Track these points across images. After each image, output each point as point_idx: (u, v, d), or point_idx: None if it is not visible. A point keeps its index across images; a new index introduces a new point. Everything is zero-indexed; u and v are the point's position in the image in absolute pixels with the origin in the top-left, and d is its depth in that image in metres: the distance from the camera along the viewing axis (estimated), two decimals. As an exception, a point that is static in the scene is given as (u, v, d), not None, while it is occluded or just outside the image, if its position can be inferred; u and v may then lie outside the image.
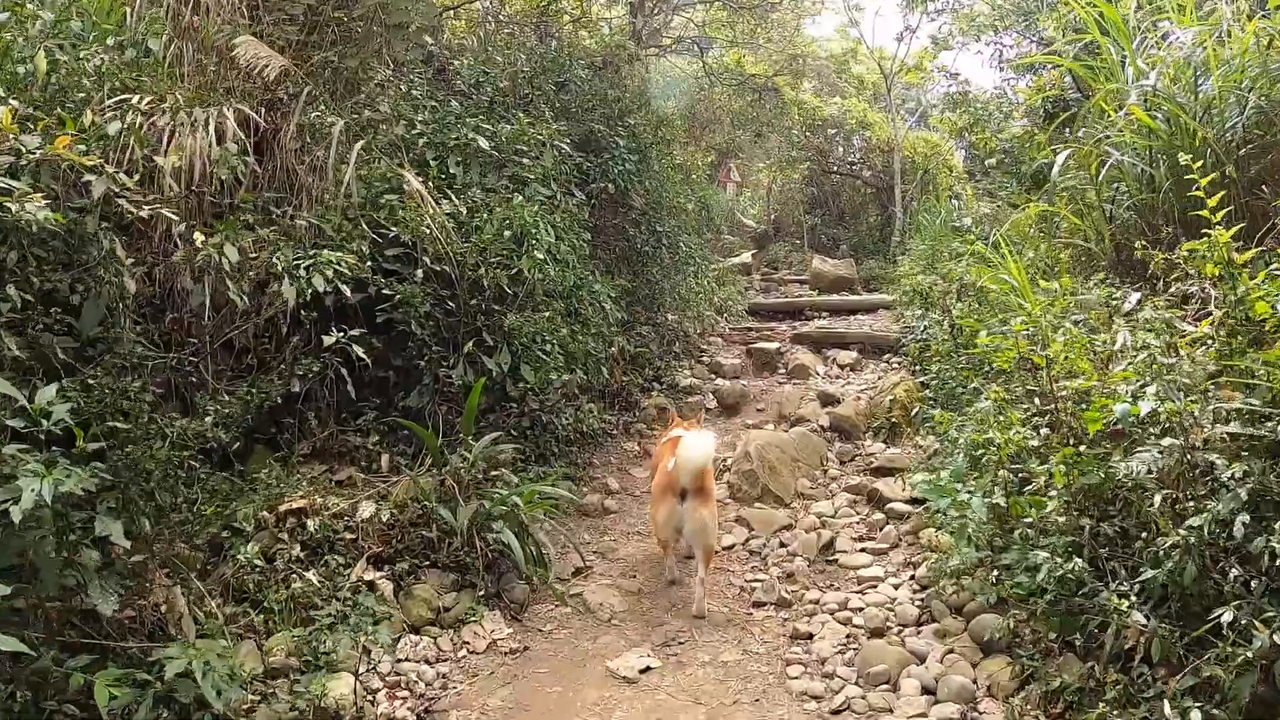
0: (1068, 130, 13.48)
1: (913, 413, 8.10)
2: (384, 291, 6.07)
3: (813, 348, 10.75)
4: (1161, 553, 3.76)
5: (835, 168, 19.43)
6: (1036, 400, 4.91)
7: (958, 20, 14.13)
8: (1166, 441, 3.85)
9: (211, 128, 5.90)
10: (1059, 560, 4.01)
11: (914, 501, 6.38)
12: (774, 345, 10.69)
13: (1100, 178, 7.44)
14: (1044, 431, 4.90)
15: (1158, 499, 3.83)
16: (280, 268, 4.94)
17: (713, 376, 10.07)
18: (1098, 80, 7.91)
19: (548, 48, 11.09)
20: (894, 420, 8.01)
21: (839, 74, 19.19)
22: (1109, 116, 7.83)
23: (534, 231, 6.74)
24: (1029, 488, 4.41)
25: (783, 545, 5.96)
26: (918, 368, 8.75)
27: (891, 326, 11.12)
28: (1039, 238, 8.43)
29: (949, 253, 11.53)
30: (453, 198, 6.88)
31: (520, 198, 7.10)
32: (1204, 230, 4.31)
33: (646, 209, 10.25)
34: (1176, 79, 6.98)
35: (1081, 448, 4.31)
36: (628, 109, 10.44)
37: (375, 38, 7.58)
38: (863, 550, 5.83)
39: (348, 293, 5.56)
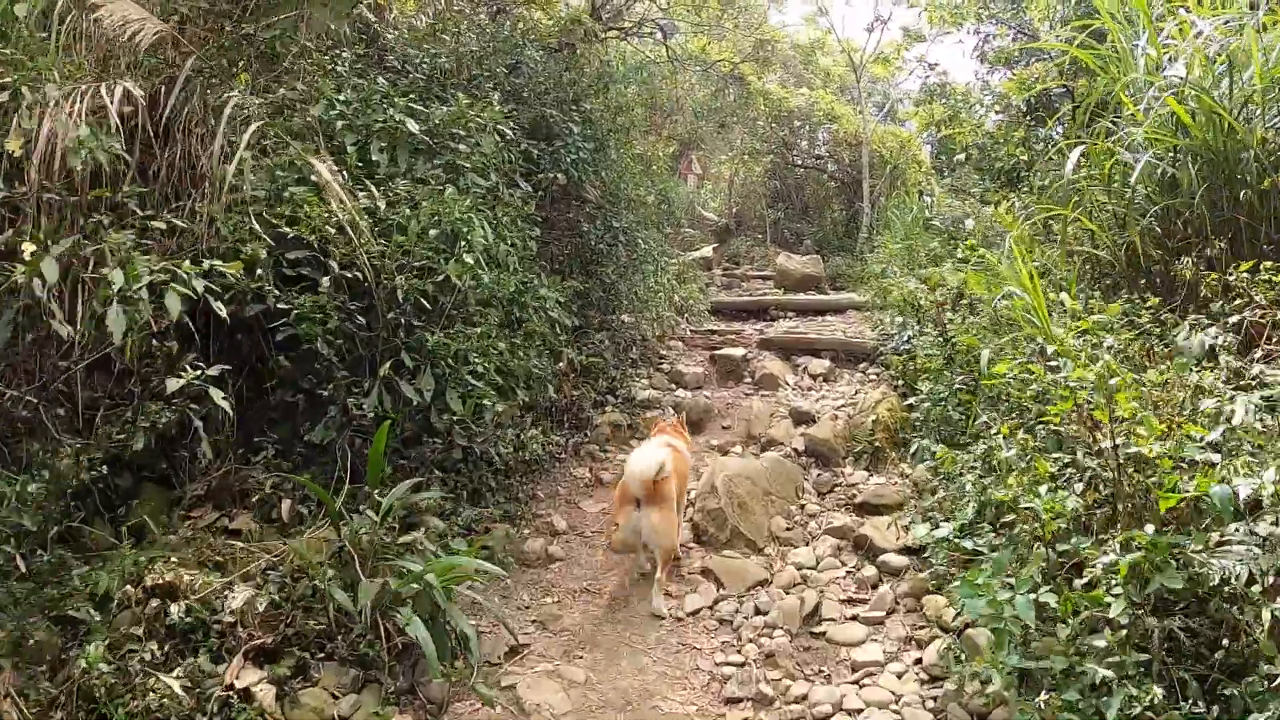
0: (1050, 126, 12.55)
1: (898, 435, 7.05)
2: (280, 305, 4.87)
3: (782, 354, 9.66)
4: (1265, 691, 2.75)
5: (800, 161, 18.36)
6: (1091, 462, 3.83)
7: (931, 9, 13.04)
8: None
9: (79, 107, 4.73)
10: (1131, 686, 2.94)
11: (909, 551, 5.32)
12: (740, 351, 9.57)
13: (1114, 179, 6.42)
14: (1080, 488, 3.85)
15: (1266, 617, 2.80)
16: (115, 288, 3.71)
17: (673, 387, 8.94)
18: (1108, 70, 6.86)
19: (499, 26, 9.87)
20: (877, 444, 6.93)
21: (805, 65, 18.09)
22: (1123, 111, 6.83)
23: (466, 230, 5.55)
24: (1083, 580, 3.33)
25: (759, 612, 4.84)
26: (900, 382, 7.68)
27: (865, 331, 10.05)
28: (1038, 242, 7.38)
29: (927, 253, 10.51)
30: (373, 190, 5.68)
31: (454, 189, 5.92)
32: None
33: (602, 202, 9.09)
34: (1203, 71, 5.96)
35: (1148, 528, 3.25)
36: (584, 93, 9.24)
37: (295, 5, 6.36)
38: (854, 618, 4.74)
39: (221, 311, 4.38)
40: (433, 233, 5.43)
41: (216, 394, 4.09)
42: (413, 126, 6.20)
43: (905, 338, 7.94)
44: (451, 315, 5.71)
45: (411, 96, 6.60)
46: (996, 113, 13.14)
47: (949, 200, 13.68)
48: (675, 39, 15.79)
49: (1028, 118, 11.92)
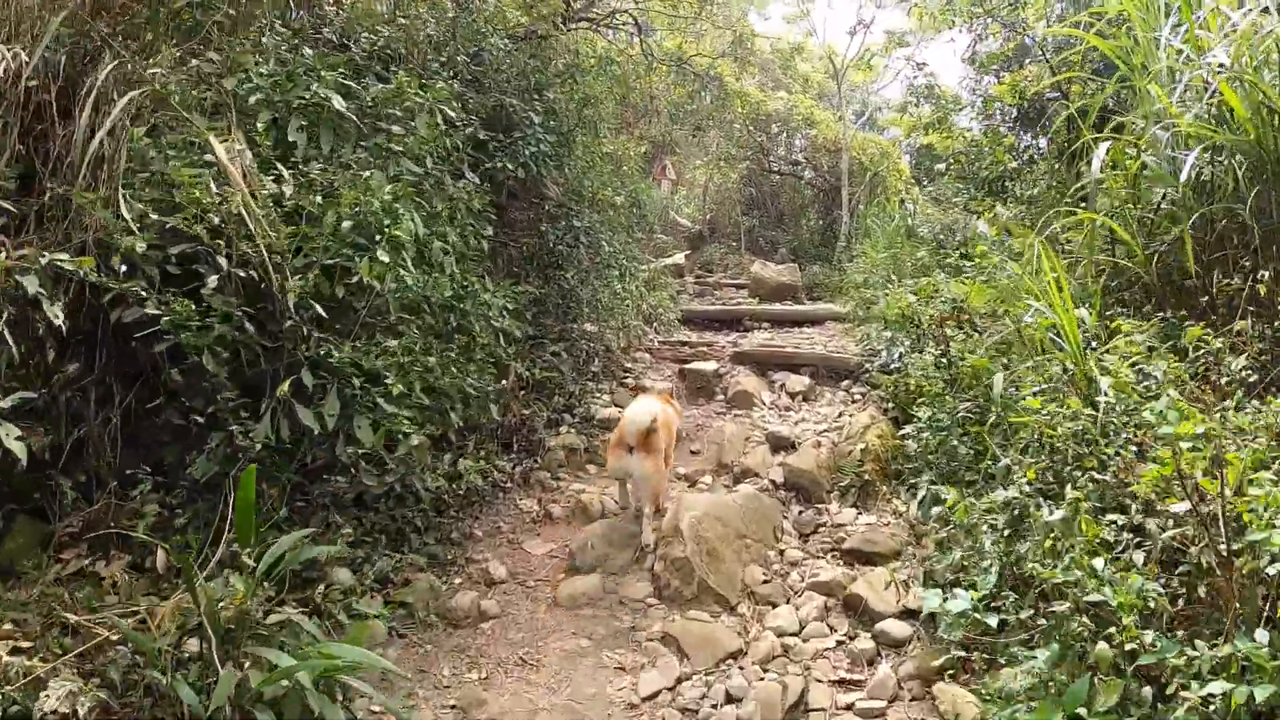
0: (1041, 133, 11.69)
1: (889, 466, 6.11)
2: (153, 309, 3.87)
3: (757, 369, 8.68)
4: None
5: (776, 167, 17.42)
6: (1164, 530, 2.86)
7: (920, 9, 12.14)
8: None
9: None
10: None
11: (910, 614, 4.36)
12: (711, 366, 8.59)
13: (1139, 182, 5.53)
14: (1141, 559, 2.91)
15: None
16: None
17: (639, 405, 7.95)
18: (1135, 58, 5.95)
19: (463, 11, 8.85)
20: (866, 476, 5.97)
21: (784, 70, 17.19)
22: (1139, 108, 5.96)
23: (390, 223, 4.54)
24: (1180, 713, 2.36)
25: (730, 699, 3.82)
26: (891, 405, 6.73)
27: (848, 345, 9.11)
28: (1056, 252, 6.46)
29: (914, 262, 9.59)
30: (284, 173, 4.67)
31: (381, 176, 4.91)
32: None
33: (565, 200, 8.09)
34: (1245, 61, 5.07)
35: (1260, 636, 2.29)
36: (548, 82, 8.24)
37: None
38: (849, 707, 3.76)
39: (56, 318, 3.37)
40: (346, 224, 4.41)
41: (14, 446, 3.04)
42: (339, 104, 5.19)
43: (896, 355, 6.99)
44: (369, 324, 4.69)
45: (343, 71, 5.57)
46: (986, 118, 12.26)
47: (930, 209, 12.80)
48: (651, 37, 14.84)
49: (1017, 124, 11.05)
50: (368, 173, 4.83)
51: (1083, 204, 6.24)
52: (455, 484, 5.26)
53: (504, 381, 6.24)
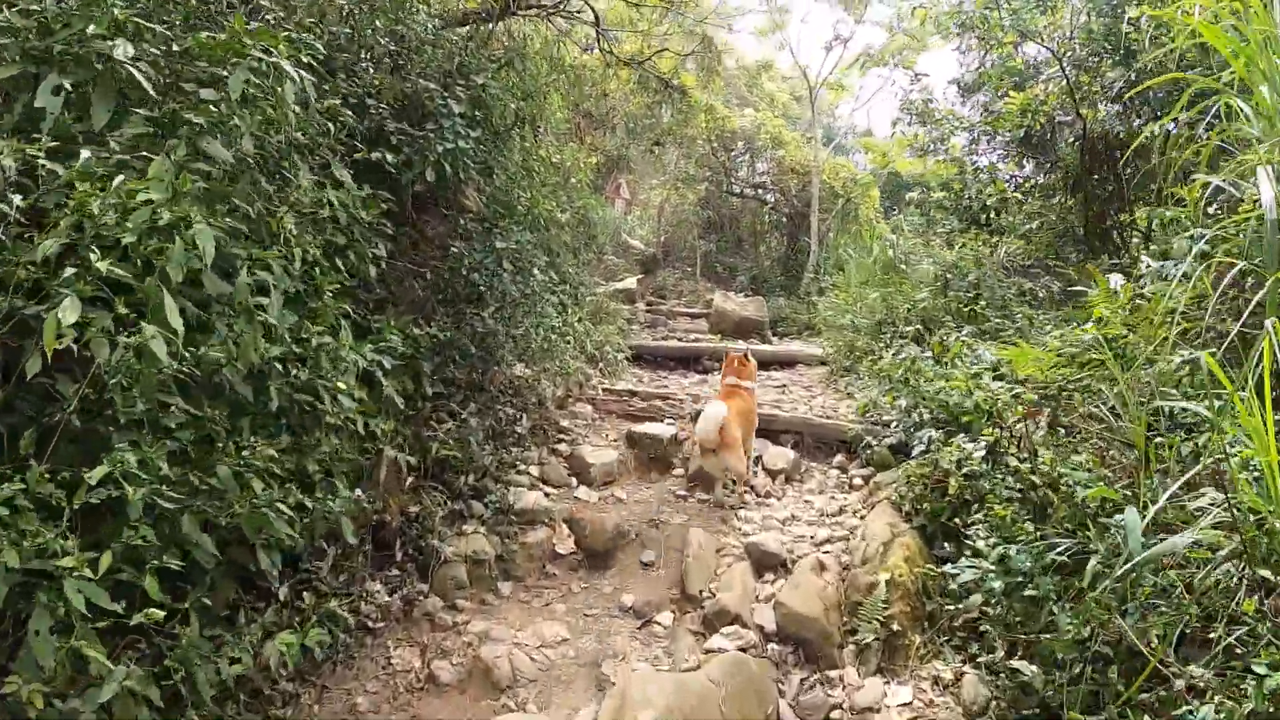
0: (1043, 161, 9.89)
1: (923, 607, 4.12)
2: None
3: None
4: None
5: (738, 189, 15.49)
6: None
7: (921, 12, 10.26)
8: None
9: None
10: None
11: None
12: (668, 430, 6.51)
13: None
14: None
15: None
16: None
17: (572, 480, 5.86)
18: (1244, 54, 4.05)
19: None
20: (893, 625, 3.97)
21: (750, 88, 15.30)
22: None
23: (159, 244, 2.43)
24: None
25: None
26: (912, 505, 4.74)
27: (834, 404, 7.12)
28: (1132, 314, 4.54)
29: (909, 305, 7.67)
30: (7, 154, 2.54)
31: (167, 162, 2.82)
32: None
33: (489, 214, 6.00)
34: None
35: None
36: (479, 65, 6.15)
37: None
38: None
39: None
40: (49, 246, 2.29)
41: None
42: (124, 53, 3.07)
43: (924, 439, 5.00)
44: (105, 413, 2.56)
45: (141, 4, 3.44)
46: (973, 143, 10.44)
47: (914, 240, 10.95)
48: (609, 39, 12.82)
49: (1022, 149, 9.23)
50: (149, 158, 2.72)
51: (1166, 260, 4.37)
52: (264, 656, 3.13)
53: (379, 472, 4.13)
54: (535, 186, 7.20)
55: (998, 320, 6.41)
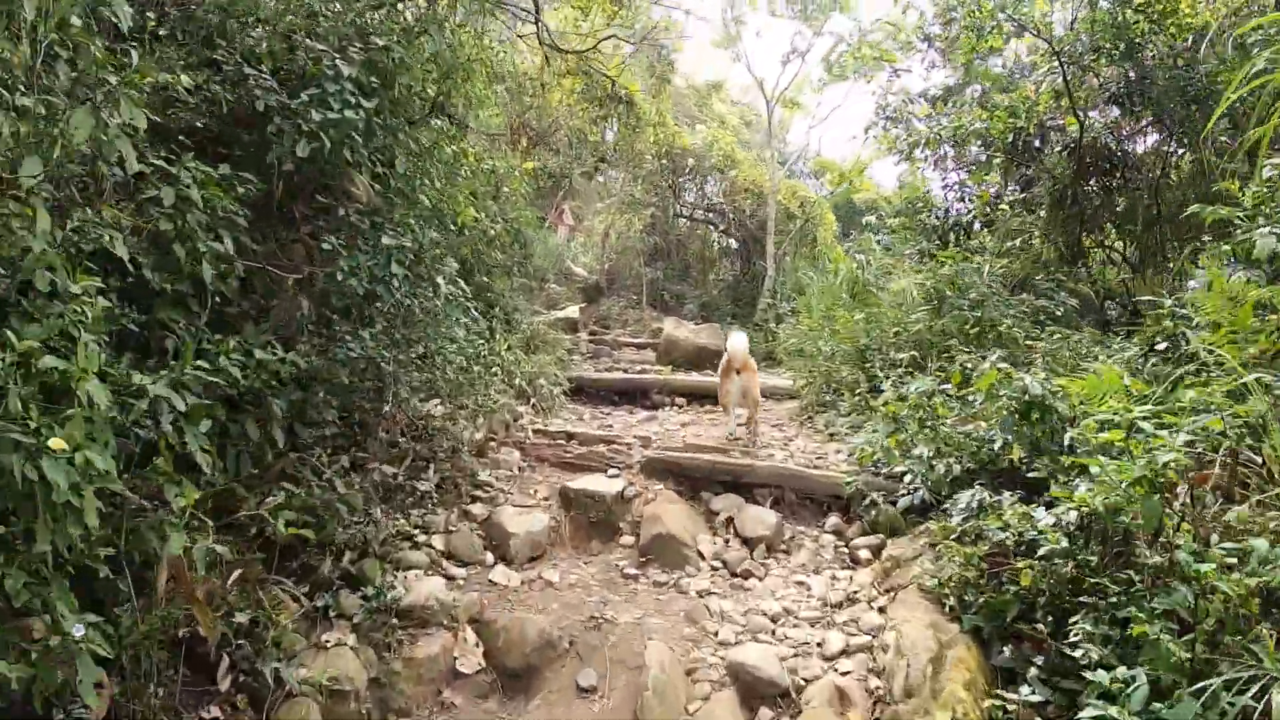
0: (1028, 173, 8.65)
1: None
2: None
3: (684, 488, 5.10)
4: None
5: (688, 212, 14.11)
6: None
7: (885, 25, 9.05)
8: None
9: None
10: None
11: None
12: (612, 487, 4.92)
13: None
14: None
15: None
16: None
17: (487, 556, 4.27)
18: None
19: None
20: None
21: (699, 107, 14.00)
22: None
23: None
24: None
25: None
26: (977, 601, 3.22)
27: (822, 451, 5.62)
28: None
29: (898, 329, 6.27)
30: None
31: None
32: None
33: (383, 205, 4.43)
34: None
35: None
36: (377, 27, 4.62)
37: None
38: None
39: None
40: None
41: None
42: None
43: (969, 501, 3.52)
44: None
45: None
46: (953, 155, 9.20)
47: (885, 260, 9.63)
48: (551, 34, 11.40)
49: (1009, 156, 7.96)
50: None
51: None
52: None
53: (158, 577, 2.51)
54: (451, 181, 5.68)
55: (1017, 341, 5.01)
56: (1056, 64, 7.21)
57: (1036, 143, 7.99)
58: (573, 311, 12.31)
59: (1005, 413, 3.85)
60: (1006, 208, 7.91)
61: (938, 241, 9.28)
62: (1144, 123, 7.47)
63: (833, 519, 4.67)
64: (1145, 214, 7.43)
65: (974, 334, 5.55)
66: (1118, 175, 7.69)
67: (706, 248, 14.76)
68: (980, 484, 3.71)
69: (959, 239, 8.98)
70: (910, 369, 5.63)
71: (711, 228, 13.94)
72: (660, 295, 14.14)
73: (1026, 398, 3.77)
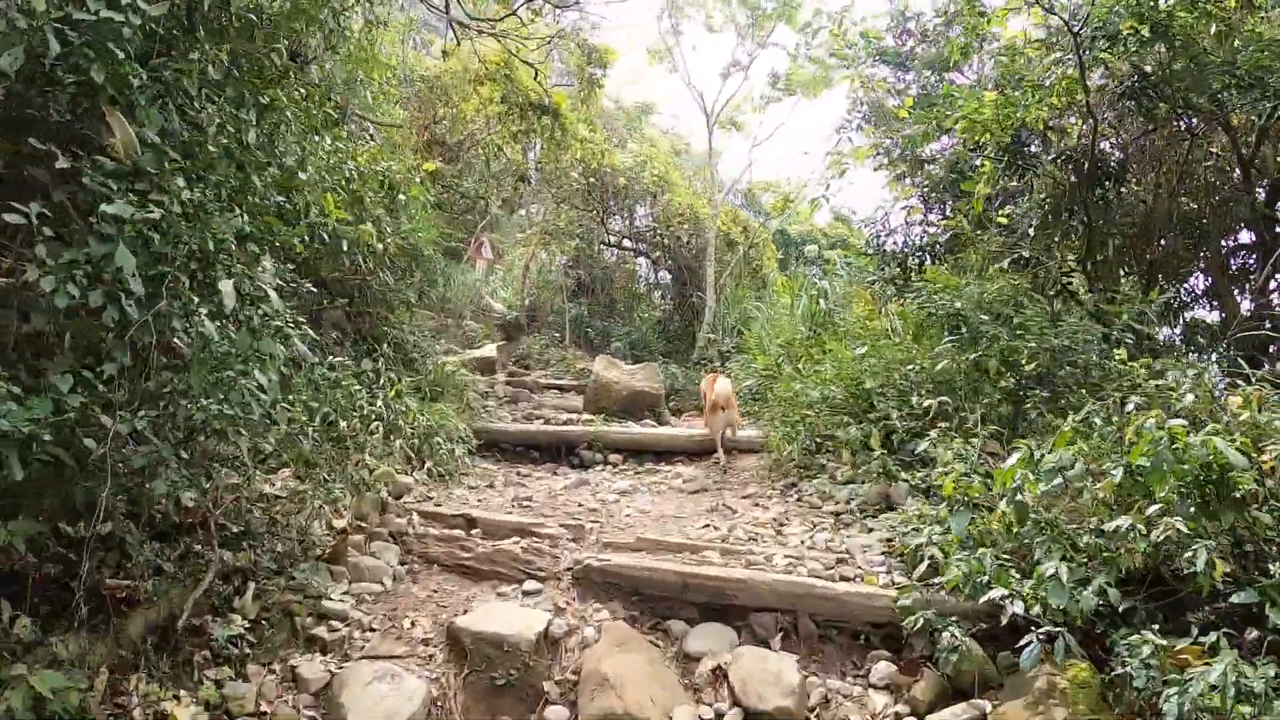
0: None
1: None
2: None
3: (641, 612, 3.17)
4: None
5: (614, 240, 12.30)
6: None
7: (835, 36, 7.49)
8: None
9: None
10: None
11: None
12: (531, 621, 2.97)
13: None
14: None
15: None
16: None
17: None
18: None
19: None
20: None
21: (630, 130, 12.30)
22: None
23: None
24: None
25: None
26: None
27: (838, 541, 3.73)
28: None
29: (919, 366, 4.51)
30: None
31: None
32: None
33: (153, 162, 2.42)
34: None
35: None
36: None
37: None
38: None
39: None
40: None
41: None
42: None
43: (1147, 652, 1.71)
44: None
45: None
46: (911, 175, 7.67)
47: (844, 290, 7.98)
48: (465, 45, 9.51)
49: (1010, 162, 6.39)
50: None
51: None
52: None
53: None
54: (312, 166, 3.75)
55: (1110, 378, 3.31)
56: (1067, 52, 5.70)
57: (1034, 146, 6.47)
58: (490, 350, 10.31)
59: (1178, 495, 2.11)
60: (1003, 220, 6.32)
61: (897, 268, 7.73)
62: (1164, 119, 6.04)
63: (881, 665, 2.81)
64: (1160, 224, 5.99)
65: (1034, 372, 3.84)
66: (1131, 182, 6.24)
67: (633, 282, 12.96)
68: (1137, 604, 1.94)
69: (920, 265, 7.44)
70: (939, 420, 3.87)
71: (643, 258, 12.14)
72: (585, 332, 12.23)
73: (1214, 470, 2.03)
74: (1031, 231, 6.76)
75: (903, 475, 3.98)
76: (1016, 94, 5.52)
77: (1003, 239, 6.91)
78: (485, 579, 3.48)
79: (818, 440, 4.81)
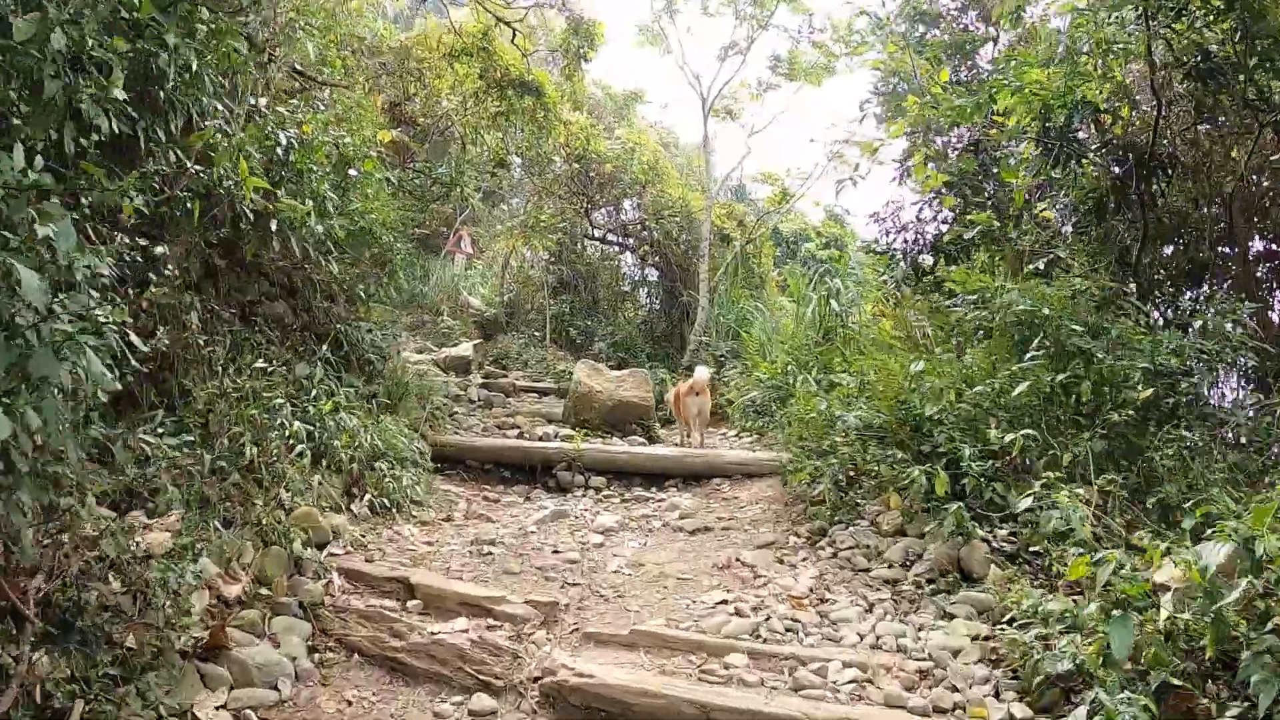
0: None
1: None
2: None
3: None
4: None
5: (599, 234, 11.19)
6: None
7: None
8: None
9: None
10: None
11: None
12: None
13: None
14: None
15: None
16: None
17: None
18: None
19: None
20: None
21: (619, 119, 11.20)
22: None
23: None
24: None
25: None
26: None
27: (923, 642, 2.66)
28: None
29: (991, 385, 3.45)
30: None
31: None
32: None
33: None
34: None
35: None
36: None
37: None
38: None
39: None
40: None
41: None
42: None
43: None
44: None
45: None
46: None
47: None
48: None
49: (1051, 146, 5.36)
50: None
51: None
52: None
53: None
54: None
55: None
56: (1124, 25, 4.68)
57: (1082, 132, 5.46)
58: (466, 349, 9.22)
59: None
60: (1048, 214, 5.31)
61: (910, 268, 6.75)
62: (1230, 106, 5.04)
63: None
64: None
65: (1145, 400, 2.82)
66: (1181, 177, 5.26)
67: (618, 278, 11.85)
68: None
69: (934, 264, 6.45)
70: (1021, 459, 2.85)
71: (629, 253, 11.04)
72: (567, 331, 11.12)
73: None
74: (1069, 229, 5.78)
75: (979, 532, 2.95)
76: (1084, 59, 4.49)
77: (1034, 238, 5.93)
78: (421, 681, 2.42)
79: (849, 474, 3.76)
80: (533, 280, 11.96)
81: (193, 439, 3.49)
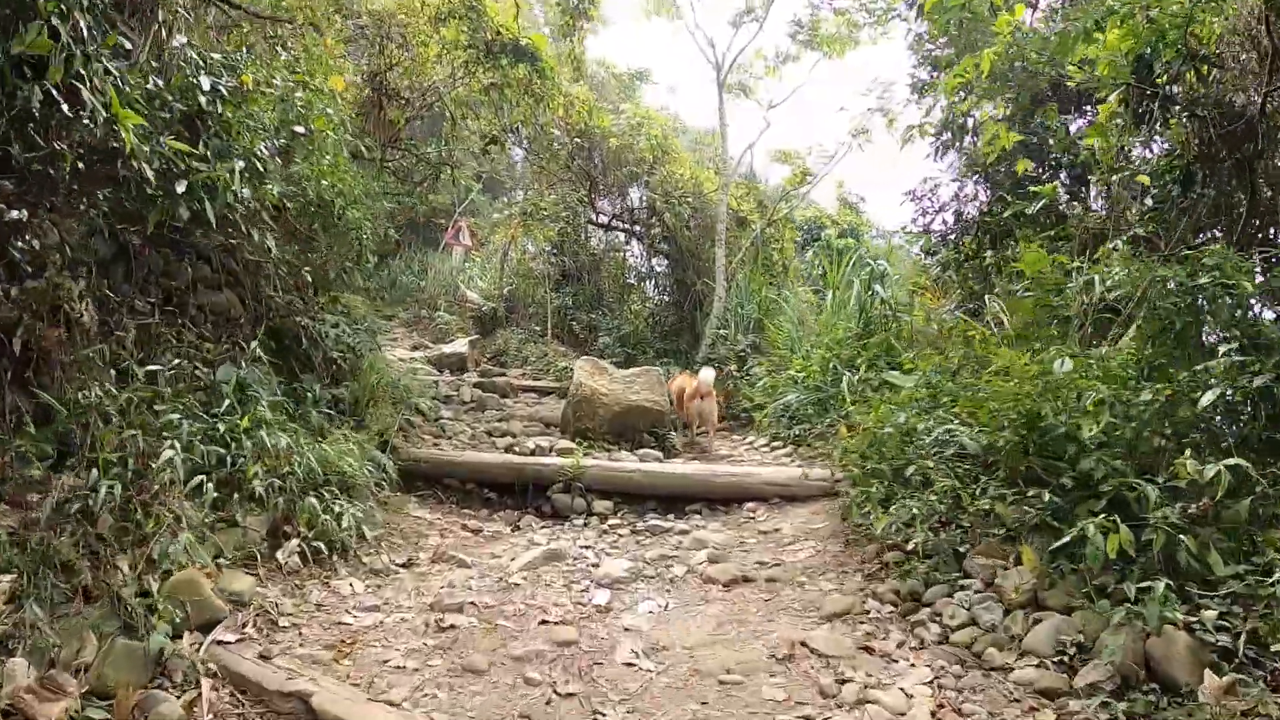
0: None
1: None
2: None
3: None
4: None
5: (604, 220, 10.09)
6: None
7: None
8: None
9: None
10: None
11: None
12: None
13: None
14: None
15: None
16: None
17: None
18: None
19: None
20: None
21: (623, 96, 10.11)
22: None
23: None
24: None
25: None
26: None
27: None
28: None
29: (1156, 397, 2.30)
30: None
31: None
32: None
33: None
34: None
35: None
36: None
37: None
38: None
39: None
40: None
41: None
42: None
43: None
44: None
45: None
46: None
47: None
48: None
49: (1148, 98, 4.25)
50: None
51: None
52: None
53: None
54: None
55: None
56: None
57: (1173, 86, 4.34)
58: (461, 346, 8.21)
59: None
60: (1144, 179, 4.21)
61: (953, 250, 5.71)
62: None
63: None
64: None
65: None
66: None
67: (624, 270, 10.77)
68: None
69: (978, 246, 5.39)
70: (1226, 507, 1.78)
71: (635, 241, 9.94)
72: (569, 325, 10.05)
73: None
74: (1149, 202, 4.67)
75: (1178, 614, 1.88)
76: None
77: (1105, 214, 4.87)
78: None
79: (942, 517, 2.68)
80: (533, 272, 10.88)
81: (50, 466, 2.48)
